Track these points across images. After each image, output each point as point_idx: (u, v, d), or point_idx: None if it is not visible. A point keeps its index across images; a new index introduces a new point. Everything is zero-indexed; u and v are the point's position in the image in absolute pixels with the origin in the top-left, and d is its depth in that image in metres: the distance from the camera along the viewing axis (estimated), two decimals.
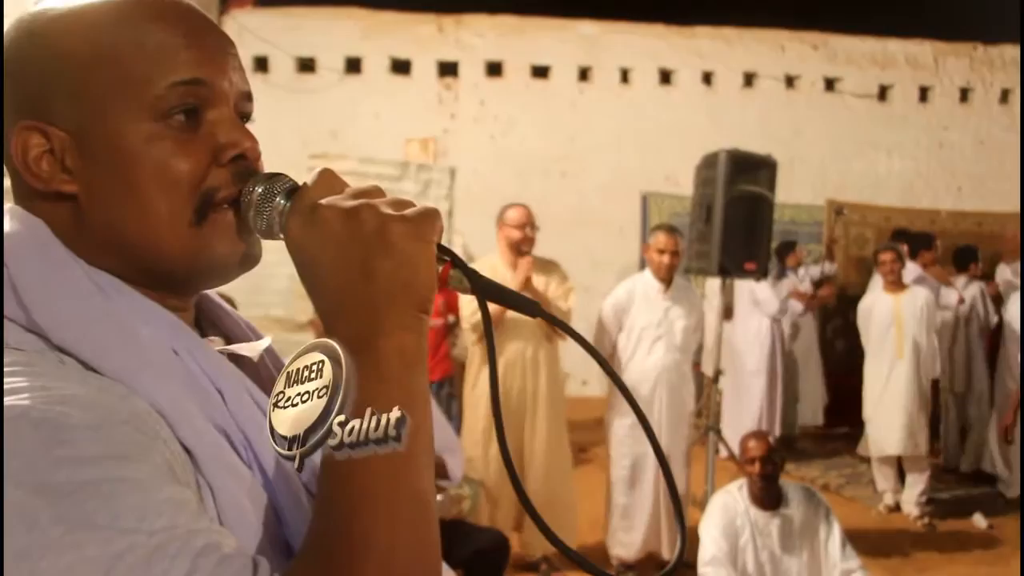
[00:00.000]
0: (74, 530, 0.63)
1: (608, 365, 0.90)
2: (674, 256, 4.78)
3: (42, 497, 0.64)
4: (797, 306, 7.44)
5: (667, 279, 4.81)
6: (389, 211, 0.76)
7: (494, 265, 4.55)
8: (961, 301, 6.83)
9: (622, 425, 4.76)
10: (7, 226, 0.81)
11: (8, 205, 0.85)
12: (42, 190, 0.82)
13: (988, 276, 7.42)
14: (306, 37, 9.46)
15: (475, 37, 9.77)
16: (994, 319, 6.99)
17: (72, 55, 0.81)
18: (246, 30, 8.81)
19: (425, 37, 9.72)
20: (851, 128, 10.23)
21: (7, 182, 0.87)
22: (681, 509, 0.90)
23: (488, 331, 0.84)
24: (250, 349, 0.93)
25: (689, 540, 4.42)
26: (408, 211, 0.77)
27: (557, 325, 0.88)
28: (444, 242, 0.81)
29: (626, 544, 4.78)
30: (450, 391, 5.49)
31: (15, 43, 0.83)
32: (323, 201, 0.77)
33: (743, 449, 3.78)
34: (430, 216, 0.78)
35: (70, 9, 0.83)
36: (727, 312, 5.36)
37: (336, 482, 0.72)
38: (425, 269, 0.77)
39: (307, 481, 0.83)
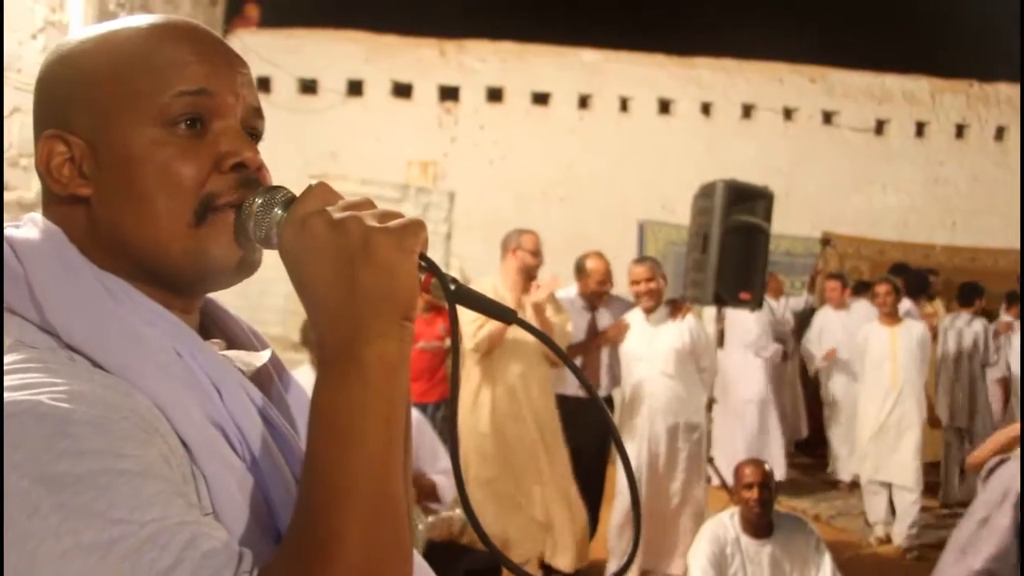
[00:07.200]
0: (71, 518, 0.68)
1: (583, 375, 0.92)
2: (649, 282, 4.96)
3: (44, 486, 0.68)
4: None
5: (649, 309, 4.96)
6: (373, 223, 0.80)
7: (495, 289, 4.59)
8: None
9: (627, 449, 4.82)
10: (28, 232, 0.87)
11: (30, 213, 0.92)
12: (61, 194, 0.88)
13: (987, 312, 7.47)
14: (308, 59, 9.52)
15: (477, 62, 9.84)
16: (993, 357, 7.01)
17: (92, 71, 0.88)
18: (249, 50, 8.86)
19: (427, 61, 9.78)
20: (848, 161, 10.29)
21: (26, 195, 0.93)
22: (640, 520, 0.95)
23: (455, 340, 0.87)
24: (247, 363, 0.96)
25: (679, 567, 4.41)
26: (392, 223, 0.81)
27: (533, 334, 0.91)
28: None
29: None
30: (446, 414, 5.49)
31: (49, 65, 0.92)
32: (313, 212, 0.81)
33: (739, 476, 3.78)
34: (413, 227, 0.82)
35: (97, 35, 0.91)
36: (719, 340, 5.40)
37: (313, 480, 0.77)
38: (406, 278, 0.80)
39: (298, 473, 0.86)
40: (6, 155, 4.02)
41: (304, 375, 4.58)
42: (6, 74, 4.10)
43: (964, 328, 7.03)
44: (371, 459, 0.76)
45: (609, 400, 5.35)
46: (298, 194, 0.86)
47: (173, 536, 0.70)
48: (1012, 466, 2.72)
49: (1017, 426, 3.12)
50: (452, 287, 0.85)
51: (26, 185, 4.27)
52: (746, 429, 7.11)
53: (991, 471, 2.83)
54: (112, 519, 0.69)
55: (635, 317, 5.04)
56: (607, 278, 5.17)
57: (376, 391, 0.78)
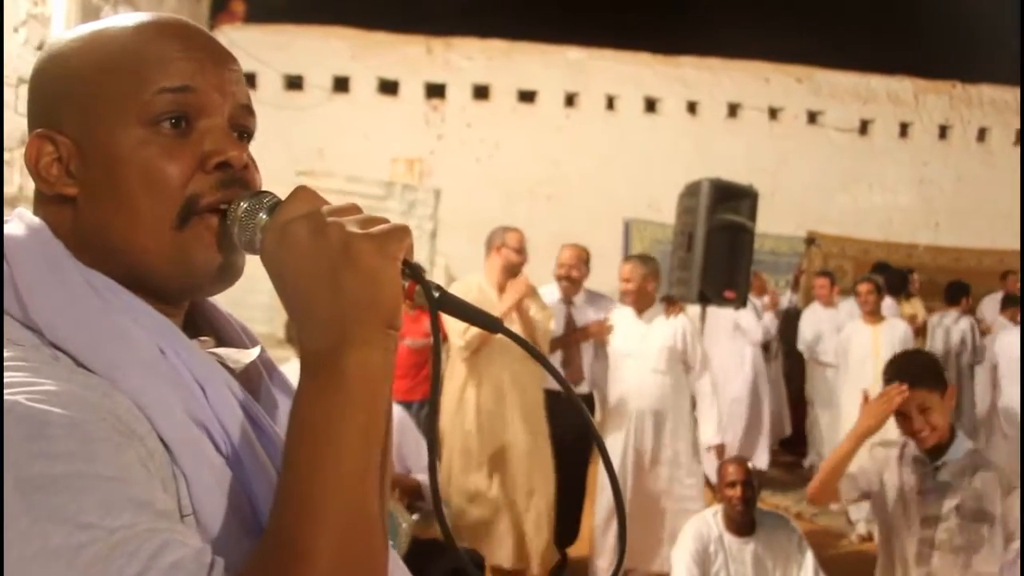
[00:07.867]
0: (41, 521, 0.67)
1: (567, 383, 0.91)
2: (627, 282, 4.94)
3: (18, 488, 0.68)
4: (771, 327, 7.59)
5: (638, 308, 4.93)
6: (355, 229, 0.78)
7: (480, 286, 4.57)
8: None
9: (612, 445, 4.82)
10: (13, 228, 0.86)
11: (18, 208, 0.91)
12: (48, 193, 0.88)
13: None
14: (295, 55, 9.49)
15: (464, 60, 9.84)
16: (980, 355, 7.05)
17: (79, 70, 0.87)
18: (235, 46, 8.81)
19: (414, 58, 9.77)
20: (832, 161, 10.34)
21: (7, 188, 0.92)
22: (624, 524, 0.94)
23: (436, 348, 0.86)
24: (236, 360, 0.95)
25: (662, 565, 4.41)
26: (375, 229, 0.79)
27: (518, 343, 0.89)
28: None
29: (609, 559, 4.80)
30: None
31: (40, 64, 0.91)
32: (296, 217, 0.80)
33: (722, 474, 3.79)
34: (396, 233, 0.80)
35: (86, 33, 0.90)
36: None
37: (287, 493, 0.75)
38: (389, 285, 0.79)
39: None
40: None
41: (292, 369, 4.56)
42: None
43: (952, 326, 7.08)
44: (346, 475, 0.75)
45: (588, 398, 5.33)
46: (283, 199, 0.85)
47: (142, 544, 0.69)
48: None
49: (898, 390, 3.14)
50: (436, 294, 0.84)
51: (8, 179, 4.24)
52: (731, 427, 7.13)
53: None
54: (81, 524, 0.68)
55: (626, 313, 5.01)
56: (573, 263, 5.14)
57: (356, 402, 0.77)
